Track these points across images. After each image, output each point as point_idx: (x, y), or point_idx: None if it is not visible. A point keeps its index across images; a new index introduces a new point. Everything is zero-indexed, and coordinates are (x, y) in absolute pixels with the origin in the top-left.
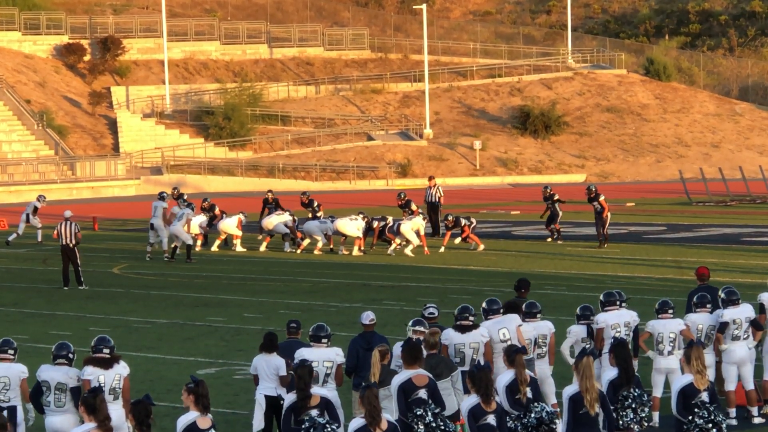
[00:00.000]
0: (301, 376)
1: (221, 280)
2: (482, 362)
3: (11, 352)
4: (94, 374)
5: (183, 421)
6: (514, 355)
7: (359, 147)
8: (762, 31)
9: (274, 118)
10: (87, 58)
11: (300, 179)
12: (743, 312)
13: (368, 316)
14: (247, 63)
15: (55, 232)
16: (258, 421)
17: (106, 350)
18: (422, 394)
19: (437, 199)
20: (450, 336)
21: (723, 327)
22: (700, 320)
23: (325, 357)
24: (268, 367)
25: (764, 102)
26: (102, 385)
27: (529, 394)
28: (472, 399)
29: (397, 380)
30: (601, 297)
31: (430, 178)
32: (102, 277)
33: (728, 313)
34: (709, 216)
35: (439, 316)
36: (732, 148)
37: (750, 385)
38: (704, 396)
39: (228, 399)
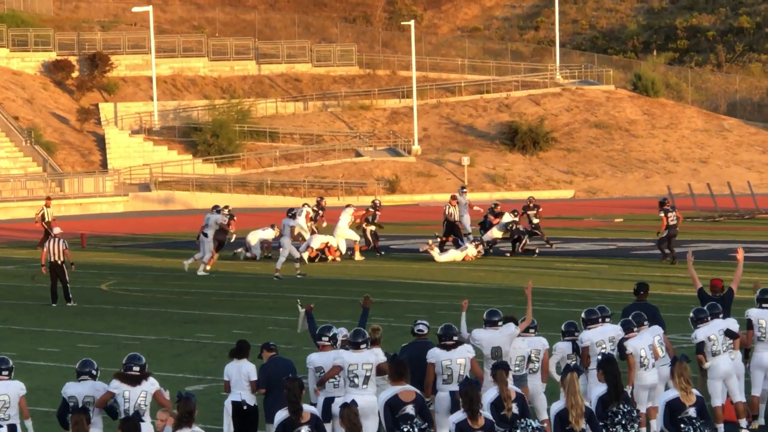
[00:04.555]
0: (290, 389)
1: (210, 297)
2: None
3: (6, 372)
4: (119, 389)
5: None
6: (496, 370)
7: (347, 163)
8: (750, 47)
9: (262, 135)
10: (75, 74)
11: (288, 195)
12: (714, 327)
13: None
14: (235, 79)
15: (45, 250)
16: (227, 426)
17: (137, 368)
18: (409, 409)
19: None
20: (436, 354)
21: (700, 347)
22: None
23: (364, 360)
24: (239, 373)
25: (752, 117)
26: (127, 400)
27: (516, 410)
28: (459, 415)
29: (384, 396)
30: (583, 315)
31: (453, 197)
32: (90, 293)
33: (701, 333)
34: (698, 231)
35: (429, 333)
36: (720, 163)
37: (738, 398)
38: (691, 411)
39: (217, 416)
